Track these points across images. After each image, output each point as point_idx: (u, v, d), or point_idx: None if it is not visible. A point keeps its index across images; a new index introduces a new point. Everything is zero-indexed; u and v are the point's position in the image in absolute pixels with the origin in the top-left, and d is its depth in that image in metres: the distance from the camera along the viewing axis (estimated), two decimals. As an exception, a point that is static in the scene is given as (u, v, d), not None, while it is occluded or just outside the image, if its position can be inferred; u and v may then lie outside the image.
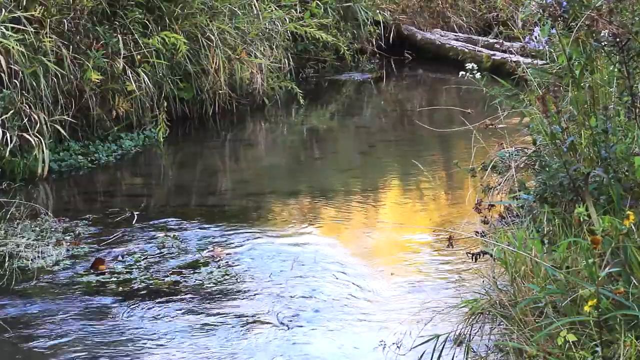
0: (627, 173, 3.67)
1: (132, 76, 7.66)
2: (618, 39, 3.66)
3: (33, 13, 7.06)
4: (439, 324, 3.95)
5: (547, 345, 3.22)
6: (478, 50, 11.29)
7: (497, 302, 3.77)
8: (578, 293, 3.25)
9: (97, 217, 5.83)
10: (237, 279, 4.75)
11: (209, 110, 8.69)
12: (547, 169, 3.93)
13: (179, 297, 4.51)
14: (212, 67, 8.48)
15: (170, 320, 4.23)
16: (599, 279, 3.05)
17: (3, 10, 6.86)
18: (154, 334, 4.10)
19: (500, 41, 9.92)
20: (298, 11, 10.40)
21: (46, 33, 7.13)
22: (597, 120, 3.78)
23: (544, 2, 4.04)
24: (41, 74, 6.91)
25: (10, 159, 6.53)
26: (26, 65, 6.85)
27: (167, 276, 4.81)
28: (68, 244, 5.27)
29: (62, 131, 7.06)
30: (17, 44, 6.72)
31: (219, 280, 4.74)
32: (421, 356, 3.71)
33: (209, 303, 4.44)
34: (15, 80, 6.73)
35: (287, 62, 9.92)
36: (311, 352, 3.92)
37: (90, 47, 7.44)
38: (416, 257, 5.01)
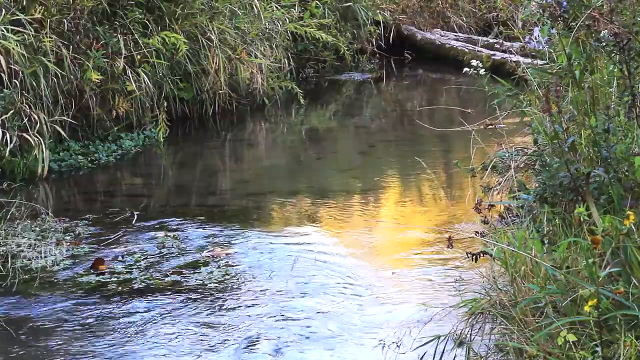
0: (627, 173, 3.67)
1: (132, 76, 7.66)
2: (619, 39, 3.66)
3: (34, 14, 7.06)
4: (439, 324, 3.95)
5: (547, 345, 3.22)
6: (478, 50, 11.30)
7: (497, 302, 3.78)
8: (578, 293, 3.25)
9: (97, 217, 5.84)
10: (237, 279, 4.75)
11: (209, 110, 8.70)
12: (547, 168, 3.93)
13: (179, 297, 4.51)
14: (212, 67, 8.49)
15: (170, 321, 4.23)
16: (599, 279, 3.05)
17: (3, 10, 6.86)
18: (154, 334, 4.10)
19: (500, 41, 9.94)
20: (298, 11, 10.40)
21: (46, 33, 7.13)
22: (597, 120, 3.79)
23: (544, 2, 4.04)
24: (41, 74, 6.92)
25: (10, 159, 6.53)
26: (26, 65, 6.85)
27: (167, 276, 4.80)
28: (68, 244, 5.27)
29: (62, 131, 7.06)
30: (17, 45, 6.72)
31: (219, 280, 4.73)
32: (422, 356, 3.71)
33: (209, 303, 4.44)
34: (15, 80, 6.73)
35: (287, 62, 9.92)
36: (311, 352, 3.92)
37: (90, 47, 7.45)
38: (416, 257, 5.01)
